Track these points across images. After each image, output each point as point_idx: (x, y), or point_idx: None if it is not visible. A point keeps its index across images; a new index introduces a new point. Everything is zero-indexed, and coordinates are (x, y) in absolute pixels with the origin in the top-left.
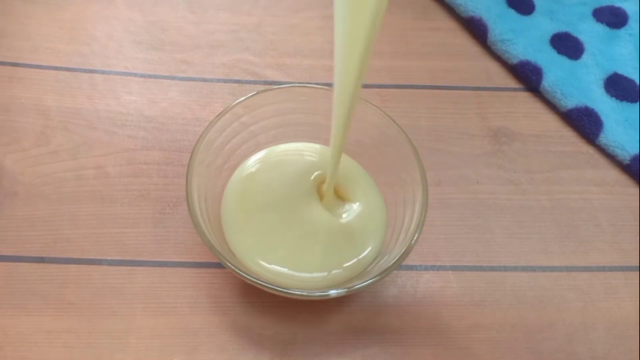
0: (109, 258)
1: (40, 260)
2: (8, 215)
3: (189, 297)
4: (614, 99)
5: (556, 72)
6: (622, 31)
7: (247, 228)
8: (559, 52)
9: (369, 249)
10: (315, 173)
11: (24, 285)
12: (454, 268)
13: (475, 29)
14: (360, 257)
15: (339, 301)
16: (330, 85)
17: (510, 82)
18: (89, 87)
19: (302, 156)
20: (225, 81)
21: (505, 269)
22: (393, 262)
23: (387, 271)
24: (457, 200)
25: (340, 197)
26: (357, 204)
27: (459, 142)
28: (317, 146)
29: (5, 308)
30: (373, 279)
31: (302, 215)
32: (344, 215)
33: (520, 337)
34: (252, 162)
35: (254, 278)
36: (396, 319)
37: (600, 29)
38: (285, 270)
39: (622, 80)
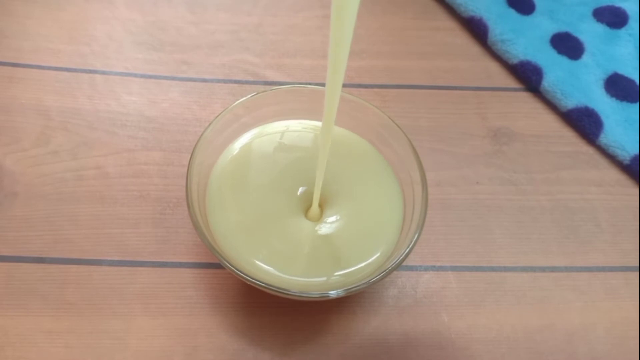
0: (109, 258)
1: (41, 260)
2: (8, 216)
3: (188, 298)
4: (614, 99)
5: (556, 72)
6: (622, 31)
7: (236, 229)
8: (559, 52)
9: (378, 254)
10: (301, 189)
11: (24, 286)
12: (454, 268)
13: (476, 29)
14: (364, 263)
15: (338, 302)
16: None
17: (511, 82)
18: (89, 87)
19: (287, 149)
20: (225, 81)
21: (505, 269)
22: (393, 263)
23: (386, 272)
24: (457, 201)
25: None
26: (363, 205)
27: (459, 143)
28: (306, 123)
29: (6, 308)
30: (372, 280)
31: (292, 222)
32: (345, 220)
33: (520, 337)
34: (237, 147)
35: (254, 279)
36: (396, 319)
37: (601, 29)
38: (281, 274)
39: (622, 80)
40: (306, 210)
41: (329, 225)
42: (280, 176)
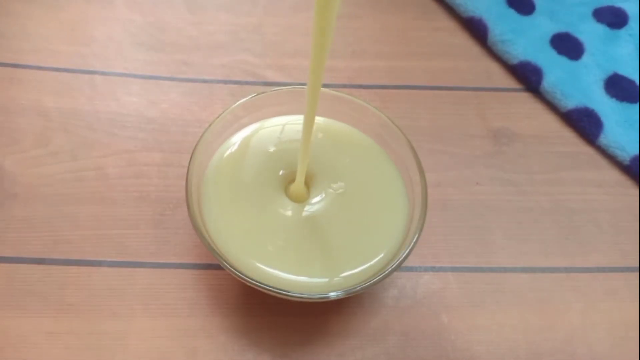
0: (108, 259)
1: (40, 261)
2: (8, 217)
3: (188, 299)
4: (614, 99)
5: (556, 72)
6: (622, 31)
7: (235, 229)
8: (559, 53)
9: (381, 255)
10: (281, 172)
11: (24, 287)
12: (453, 269)
13: (475, 29)
14: (367, 265)
15: (338, 303)
16: (330, 86)
17: (511, 82)
18: (89, 88)
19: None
20: (225, 82)
21: (505, 270)
22: (393, 264)
23: (386, 273)
24: (457, 201)
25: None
26: (369, 206)
27: (459, 143)
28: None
29: (6, 309)
30: (372, 281)
31: (283, 214)
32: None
33: (520, 338)
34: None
35: (254, 280)
36: (396, 320)
37: (601, 29)
38: (282, 275)
39: (622, 81)
40: (303, 206)
41: (332, 225)
42: (275, 173)
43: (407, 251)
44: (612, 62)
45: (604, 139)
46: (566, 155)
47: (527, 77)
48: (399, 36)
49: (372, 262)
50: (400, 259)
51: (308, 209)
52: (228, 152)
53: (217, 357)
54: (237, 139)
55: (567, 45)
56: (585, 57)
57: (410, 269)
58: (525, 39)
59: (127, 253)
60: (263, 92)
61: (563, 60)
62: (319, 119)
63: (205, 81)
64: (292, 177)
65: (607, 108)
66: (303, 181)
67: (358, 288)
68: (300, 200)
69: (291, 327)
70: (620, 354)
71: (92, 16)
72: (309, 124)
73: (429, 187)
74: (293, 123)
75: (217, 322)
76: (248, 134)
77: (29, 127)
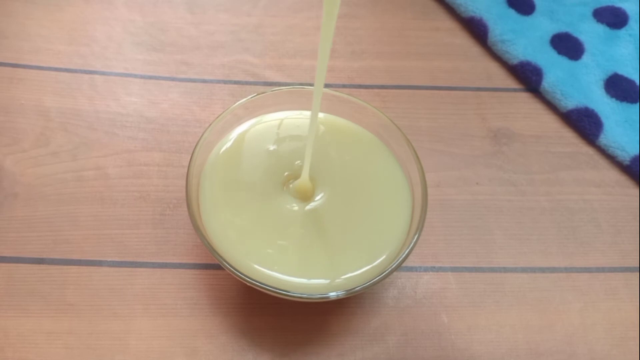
0: (109, 259)
1: (41, 261)
2: (8, 217)
3: (189, 299)
4: (614, 99)
5: (556, 72)
6: (623, 31)
7: (235, 229)
8: (559, 53)
9: (383, 257)
10: (286, 173)
11: (24, 287)
12: (453, 269)
13: (475, 29)
14: (369, 267)
15: (338, 303)
16: (330, 86)
17: (511, 82)
18: (89, 88)
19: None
20: (225, 82)
21: (505, 270)
22: (392, 264)
23: (386, 273)
24: (457, 202)
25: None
26: (372, 206)
27: (459, 143)
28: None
29: (6, 309)
30: (372, 281)
31: (284, 214)
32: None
33: (520, 338)
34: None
35: (254, 280)
36: (396, 320)
37: (601, 29)
38: (282, 275)
39: (622, 81)
40: (304, 204)
41: (335, 226)
42: (275, 170)
43: (407, 251)
44: (612, 62)
45: (604, 139)
46: (566, 155)
47: (527, 77)
48: (398, 36)
49: (374, 264)
50: (400, 259)
51: (309, 208)
52: (224, 148)
53: (216, 357)
54: (233, 135)
55: (567, 45)
56: (585, 57)
57: (410, 269)
58: (525, 39)
59: (127, 253)
60: (263, 92)
61: (563, 60)
62: (320, 115)
63: (205, 81)
64: (292, 174)
65: (607, 108)
66: (308, 177)
67: (358, 288)
68: (305, 197)
69: (291, 327)
70: (620, 354)
71: (92, 16)
72: (314, 116)
73: (429, 187)
74: (290, 118)
75: (217, 322)
76: (243, 130)
77: (29, 126)
